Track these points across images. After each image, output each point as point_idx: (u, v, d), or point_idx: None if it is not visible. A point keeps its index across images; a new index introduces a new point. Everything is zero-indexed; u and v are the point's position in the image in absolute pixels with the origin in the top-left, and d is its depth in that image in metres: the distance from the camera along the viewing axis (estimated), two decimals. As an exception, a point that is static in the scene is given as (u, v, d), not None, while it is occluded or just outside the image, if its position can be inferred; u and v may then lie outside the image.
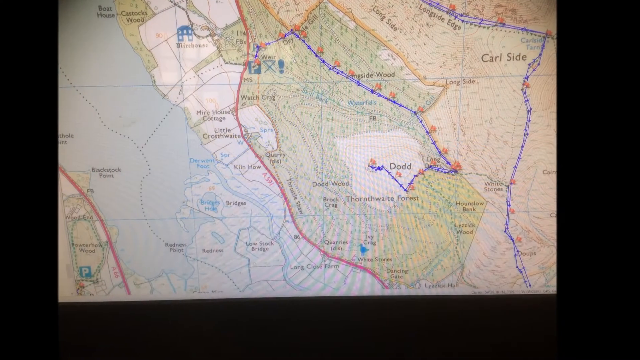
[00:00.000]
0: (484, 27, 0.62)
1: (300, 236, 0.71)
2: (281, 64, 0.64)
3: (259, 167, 0.68)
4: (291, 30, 0.63)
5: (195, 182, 0.69)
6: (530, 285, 0.72)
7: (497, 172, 0.68)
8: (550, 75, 0.64)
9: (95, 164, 0.67)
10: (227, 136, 0.67)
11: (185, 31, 0.63)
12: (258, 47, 0.63)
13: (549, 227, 0.70)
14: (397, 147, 0.67)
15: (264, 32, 0.63)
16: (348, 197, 0.69)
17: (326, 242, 0.71)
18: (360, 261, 0.72)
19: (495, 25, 0.62)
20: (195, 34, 0.63)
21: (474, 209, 0.69)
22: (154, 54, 0.64)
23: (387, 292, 0.73)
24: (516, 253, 0.71)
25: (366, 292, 0.73)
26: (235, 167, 0.68)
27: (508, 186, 0.68)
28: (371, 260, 0.72)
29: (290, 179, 0.69)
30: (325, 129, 0.67)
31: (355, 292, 0.73)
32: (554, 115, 0.65)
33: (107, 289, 0.72)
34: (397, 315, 0.72)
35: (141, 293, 0.72)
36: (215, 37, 0.63)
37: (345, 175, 0.68)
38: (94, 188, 0.68)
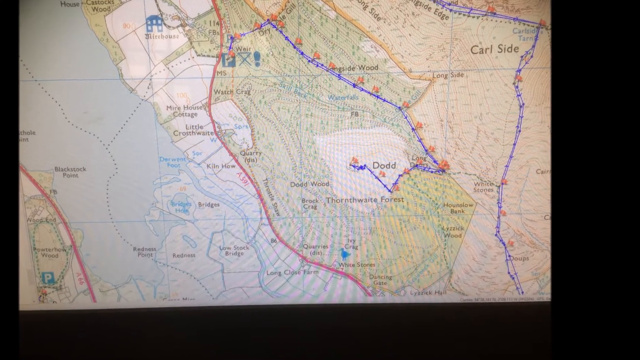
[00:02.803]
0: (473, 17, 0.62)
1: (278, 240, 0.70)
2: (257, 56, 0.63)
3: (233, 166, 0.67)
4: (268, 20, 0.62)
5: (165, 183, 0.68)
6: (522, 293, 0.72)
7: (488, 171, 0.67)
8: (544, 68, 0.64)
9: (58, 162, 0.67)
10: (199, 133, 0.66)
11: (154, 21, 0.62)
12: (232, 38, 0.63)
13: (543, 230, 0.69)
14: (380, 145, 0.66)
15: (238, 22, 0.62)
16: (328, 198, 0.68)
17: (305, 246, 0.70)
18: (342, 266, 0.71)
19: (486, 14, 0.62)
20: (165, 24, 0.62)
21: (462, 211, 0.69)
22: (121, 45, 0.63)
23: (370, 300, 0.72)
24: (508, 258, 0.70)
25: (347, 299, 0.72)
26: (207, 166, 0.67)
27: (499, 187, 0.68)
28: (353, 265, 0.71)
29: (266, 179, 0.68)
30: (304, 126, 0.66)
31: (336, 299, 0.72)
32: (548, 111, 0.65)
33: (71, 296, 0.71)
34: (380, 324, 0.71)
35: (107, 300, 0.72)
36: (187, 28, 0.62)
37: (325, 175, 0.68)
38: (58, 188, 0.67)
